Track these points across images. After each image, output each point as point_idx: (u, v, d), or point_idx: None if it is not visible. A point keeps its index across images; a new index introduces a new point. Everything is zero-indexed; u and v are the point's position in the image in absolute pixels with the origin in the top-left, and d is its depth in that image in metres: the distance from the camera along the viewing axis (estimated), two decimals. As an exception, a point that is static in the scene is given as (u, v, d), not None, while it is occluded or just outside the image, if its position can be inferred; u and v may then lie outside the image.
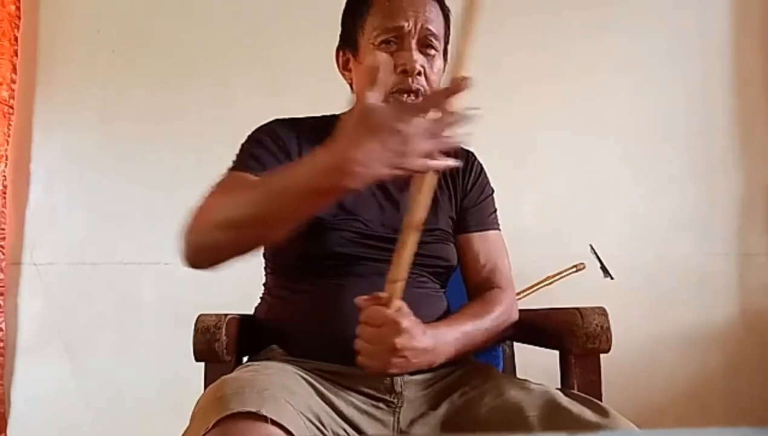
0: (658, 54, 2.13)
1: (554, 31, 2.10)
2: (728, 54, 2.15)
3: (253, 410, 0.70)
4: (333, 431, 0.82)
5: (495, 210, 1.15)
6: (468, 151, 1.16)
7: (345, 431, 0.85)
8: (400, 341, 0.83)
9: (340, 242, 0.99)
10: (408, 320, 0.85)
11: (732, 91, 2.14)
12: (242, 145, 1.04)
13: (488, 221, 1.13)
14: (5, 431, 1.90)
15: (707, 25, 2.16)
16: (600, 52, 2.11)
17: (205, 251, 0.89)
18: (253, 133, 1.06)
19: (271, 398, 0.74)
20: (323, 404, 0.85)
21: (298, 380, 0.86)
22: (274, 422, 0.70)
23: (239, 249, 0.86)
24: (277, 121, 1.07)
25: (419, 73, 0.99)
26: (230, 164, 1.02)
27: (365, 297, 0.85)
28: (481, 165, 1.17)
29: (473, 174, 1.14)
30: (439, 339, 0.90)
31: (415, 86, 0.99)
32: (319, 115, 1.11)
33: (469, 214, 1.11)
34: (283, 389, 0.79)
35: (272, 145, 1.01)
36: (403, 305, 0.86)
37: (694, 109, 2.13)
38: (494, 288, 1.07)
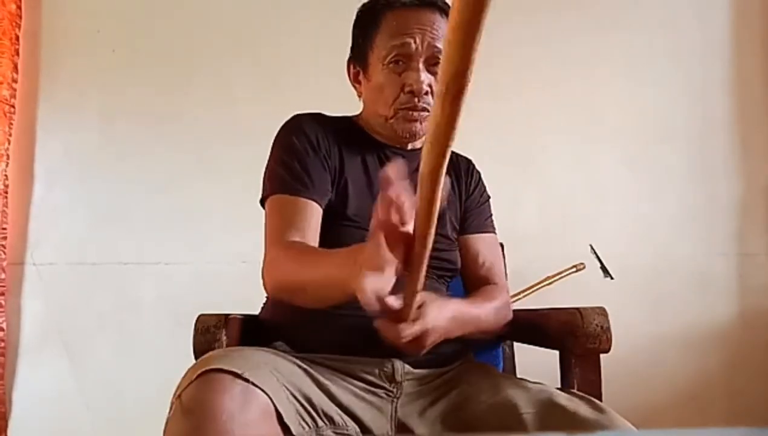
0: (658, 54, 2.13)
1: (554, 32, 2.10)
2: (728, 54, 2.15)
3: (237, 371, 0.73)
4: (324, 412, 0.83)
5: (491, 215, 1.21)
6: (468, 159, 1.22)
7: (340, 416, 0.86)
8: (431, 341, 0.84)
9: (364, 239, 1.00)
10: (429, 318, 0.82)
11: (732, 91, 2.14)
12: (280, 156, 1.05)
13: (486, 224, 1.18)
14: (6, 431, 1.90)
15: (707, 25, 2.16)
16: (600, 52, 2.11)
17: (284, 298, 0.96)
18: (285, 137, 1.07)
19: (255, 366, 0.77)
20: (317, 388, 0.86)
21: (289, 363, 0.88)
22: (256, 386, 0.73)
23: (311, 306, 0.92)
24: (302, 118, 1.09)
25: (426, 93, 1.03)
26: (275, 180, 1.03)
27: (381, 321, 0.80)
28: (479, 172, 1.23)
29: (473, 180, 1.20)
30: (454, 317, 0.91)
31: (421, 105, 1.04)
32: (334, 115, 1.14)
33: (469, 217, 1.16)
34: (269, 363, 0.81)
35: (309, 150, 1.04)
36: (423, 298, 0.82)
37: (693, 109, 2.13)
38: (492, 284, 1.11)
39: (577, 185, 2.07)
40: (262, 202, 1.05)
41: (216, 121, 2.01)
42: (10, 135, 1.94)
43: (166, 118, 2.02)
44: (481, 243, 1.14)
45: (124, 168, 2.01)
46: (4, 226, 1.92)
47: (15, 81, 1.95)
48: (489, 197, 1.21)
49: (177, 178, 2.00)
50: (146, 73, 2.04)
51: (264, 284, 0.98)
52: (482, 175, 1.23)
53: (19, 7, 1.97)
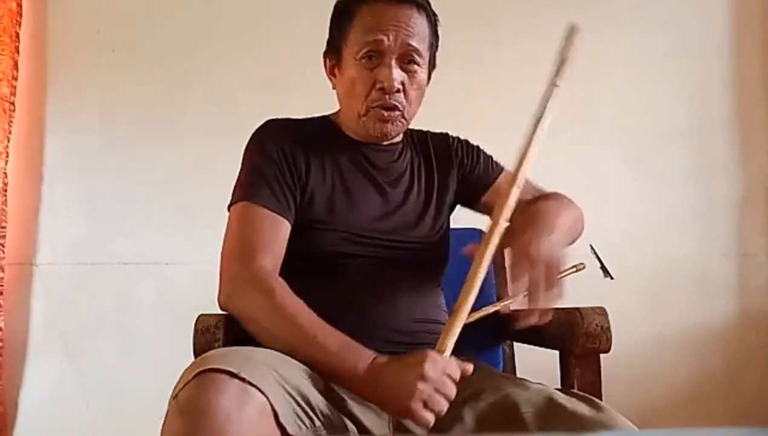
0: (658, 54, 2.13)
1: (554, 31, 2.09)
2: (728, 54, 2.15)
3: (234, 370, 0.72)
4: (322, 412, 0.82)
5: (491, 157, 1.21)
6: (444, 135, 1.21)
7: (339, 417, 0.85)
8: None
9: (335, 240, 1.02)
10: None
11: (732, 91, 2.14)
12: (254, 164, 1.04)
13: (493, 170, 1.19)
14: (6, 431, 1.90)
15: (707, 24, 2.15)
16: (600, 52, 2.11)
17: (241, 324, 0.96)
18: (260, 146, 1.06)
19: (253, 365, 0.76)
20: (315, 388, 0.85)
21: (287, 362, 0.86)
22: (253, 385, 0.72)
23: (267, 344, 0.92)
24: (274, 127, 1.09)
25: (398, 91, 1.01)
26: (248, 187, 1.02)
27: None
28: (459, 142, 1.21)
29: (459, 154, 1.18)
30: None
31: (392, 102, 1.02)
32: (308, 117, 1.14)
33: (471, 179, 1.17)
34: (267, 362, 0.80)
35: (283, 163, 1.03)
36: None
37: (693, 108, 2.13)
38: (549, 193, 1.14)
39: (577, 185, 2.06)
40: (230, 207, 1.04)
41: (216, 121, 2.01)
42: (10, 133, 1.93)
43: (166, 118, 2.02)
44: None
45: (124, 168, 2.01)
46: (4, 225, 1.92)
47: (15, 78, 1.94)
48: (479, 149, 1.21)
49: (177, 178, 2.00)
50: (146, 73, 2.03)
51: (221, 299, 0.97)
52: (463, 140, 1.22)
53: (19, 5, 1.96)
